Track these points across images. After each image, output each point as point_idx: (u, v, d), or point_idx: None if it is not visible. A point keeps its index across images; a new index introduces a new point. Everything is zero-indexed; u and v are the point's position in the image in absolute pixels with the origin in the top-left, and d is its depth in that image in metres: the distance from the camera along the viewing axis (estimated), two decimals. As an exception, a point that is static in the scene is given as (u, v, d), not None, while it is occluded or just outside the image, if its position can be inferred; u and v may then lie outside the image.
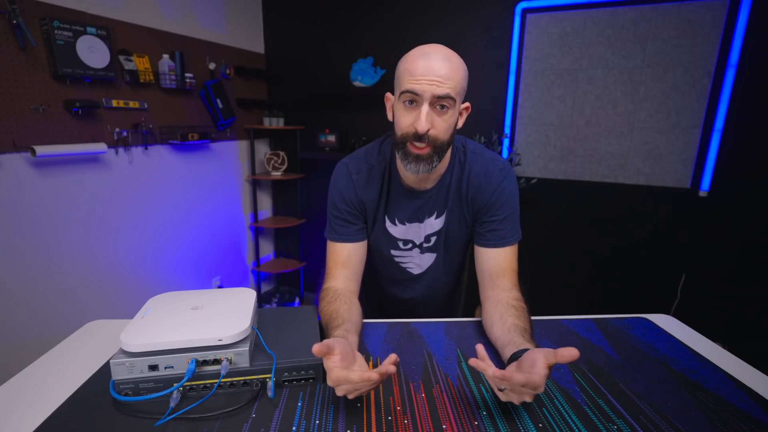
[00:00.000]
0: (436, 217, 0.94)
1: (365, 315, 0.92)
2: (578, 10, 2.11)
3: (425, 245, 0.98)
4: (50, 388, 0.68)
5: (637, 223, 2.23)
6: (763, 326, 2.04)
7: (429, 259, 1.00)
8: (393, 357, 0.60)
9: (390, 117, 0.86)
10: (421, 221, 0.94)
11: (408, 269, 1.03)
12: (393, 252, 1.00)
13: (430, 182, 0.91)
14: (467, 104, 0.85)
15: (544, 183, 2.34)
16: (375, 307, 1.15)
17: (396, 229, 0.96)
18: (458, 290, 1.17)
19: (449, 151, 0.89)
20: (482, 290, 0.92)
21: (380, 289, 1.11)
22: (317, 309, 0.87)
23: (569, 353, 0.56)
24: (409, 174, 0.87)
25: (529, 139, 2.35)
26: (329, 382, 0.60)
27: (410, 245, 0.98)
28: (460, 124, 0.85)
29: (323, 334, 0.81)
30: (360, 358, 0.66)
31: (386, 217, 0.95)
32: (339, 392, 0.60)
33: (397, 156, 0.85)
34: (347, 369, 0.59)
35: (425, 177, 0.89)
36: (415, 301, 1.08)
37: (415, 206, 0.93)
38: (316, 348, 0.58)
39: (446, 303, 1.14)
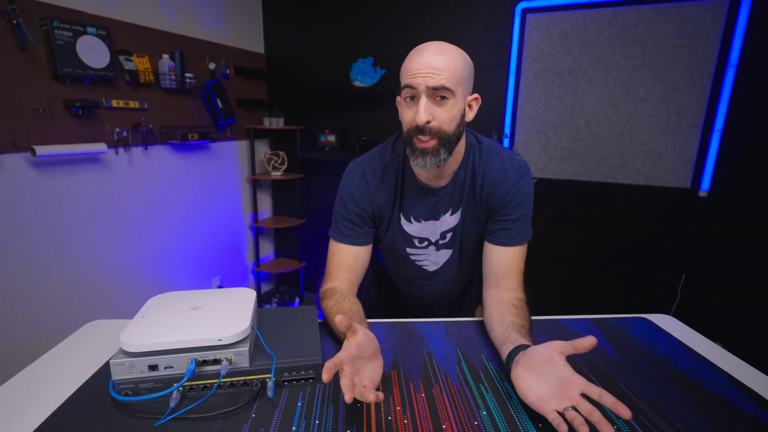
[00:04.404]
0: (451, 214, 0.93)
1: (382, 315, 0.91)
2: (578, 10, 2.12)
3: (441, 242, 0.97)
4: (50, 388, 0.68)
5: (637, 224, 2.23)
6: (763, 326, 2.04)
7: (445, 255, 1.00)
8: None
9: (401, 118, 0.86)
10: (436, 219, 0.94)
11: (424, 267, 1.02)
12: (409, 250, 0.99)
13: (444, 179, 0.90)
14: (476, 95, 0.84)
15: (544, 183, 2.34)
16: (391, 306, 1.15)
17: (411, 227, 0.96)
18: (472, 285, 1.16)
19: (462, 147, 0.89)
20: (486, 288, 0.91)
21: (396, 289, 1.11)
22: (317, 309, 0.87)
23: (589, 342, 0.57)
24: (421, 171, 0.87)
25: (529, 139, 2.35)
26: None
27: (426, 243, 0.98)
28: (470, 117, 0.84)
29: (333, 335, 0.84)
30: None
31: (401, 215, 0.95)
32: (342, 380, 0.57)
33: (407, 152, 0.85)
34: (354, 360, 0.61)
35: (438, 174, 0.88)
36: (431, 298, 1.08)
37: (430, 204, 0.92)
38: (339, 319, 0.60)
39: (461, 299, 1.13)
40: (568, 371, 0.59)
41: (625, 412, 0.51)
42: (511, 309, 0.80)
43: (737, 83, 1.91)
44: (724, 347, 0.86)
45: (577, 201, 2.32)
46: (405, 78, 0.79)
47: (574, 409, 0.55)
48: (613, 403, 0.52)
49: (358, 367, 0.62)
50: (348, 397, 0.53)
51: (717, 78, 1.94)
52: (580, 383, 0.57)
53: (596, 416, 0.53)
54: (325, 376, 0.54)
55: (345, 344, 0.62)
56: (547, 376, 0.60)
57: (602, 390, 0.55)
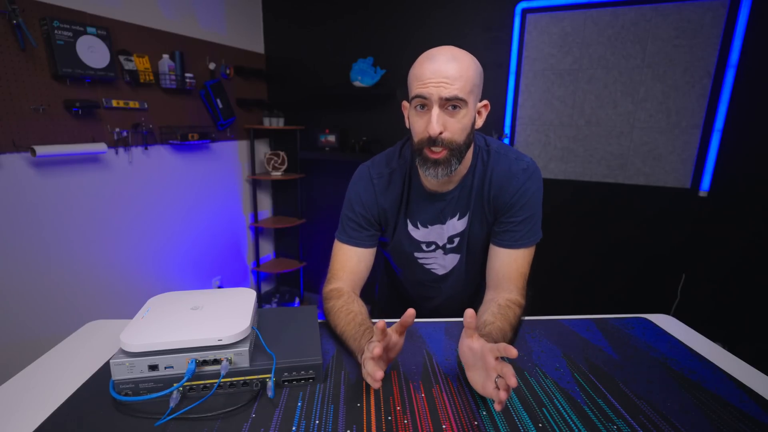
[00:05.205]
0: (459, 218, 0.93)
1: (392, 317, 0.91)
2: (578, 10, 2.12)
3: (448, 246, 0.97)
4: (50, 388, 0.68)
5: (637, 223, 2.23)
6: (763, 326, 2.04)
7: (453, 260, 0.99)
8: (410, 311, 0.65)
9: (408, 125, 0.85)
10: (443, 223, 0.93)
11: (432, 270, 1.02)
12: (416, 254, 0.99)
13: (451, 184, 0.90)
14: (485, 102, 0.84)
15: (544, 183, 2.33)
16: (401, 309, 1.14)
17: (418, 233, 0.95)
18: (483, 289, 1.16)
19: (470, 152, 0.88)
20: (487, 290, 0.91)
21: (406, 291, 1.11)
22: (317, 309, 0.87)
23: (511, 352, 0.58)
24: (432, 180, 0.87)
25: (529, 139, 2.35)
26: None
27: (433, 247, 0.97)
28: (479, 124, 0.84)
29: (333, 335, 0.84)
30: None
31: (408, 221, 0.95)
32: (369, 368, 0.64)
33: (417, 162, 0.84)
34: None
35: (446, 179, 0.87)
36: (440, 301, 1.08)
37: (437, 209, 0.92)
38: (382, 324, 0.63)
39: (471, 303, 1.13)
40: (482, 348, 0.63)
41: (512, 352, 0.58)
42: (494, 308, 0.80)
43: (737, 83, 1.90)
44: (724, 347, 0.86)
45: (577, 201, 2.32)
46: (416, 86, 0.77)
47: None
48: (504, 347, 0.59)
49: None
50: (380, 376, 0.60)
51: (717, 78, 1.94)
52: (488, 353, 0.62)
53: (506, 370, 0.57)
54: (378, 335, 0.63)
55: (388, 333, 0.67)
56: (478, 367, 0.65)
57: (498, 344, 0.60)
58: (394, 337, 0.68)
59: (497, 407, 0.57)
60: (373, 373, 0.61)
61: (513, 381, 0.55)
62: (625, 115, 2.13)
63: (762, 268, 2.01)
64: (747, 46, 1.86)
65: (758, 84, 1.88)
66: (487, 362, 0.62)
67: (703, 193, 2.05)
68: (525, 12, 2.21)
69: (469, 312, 0.65)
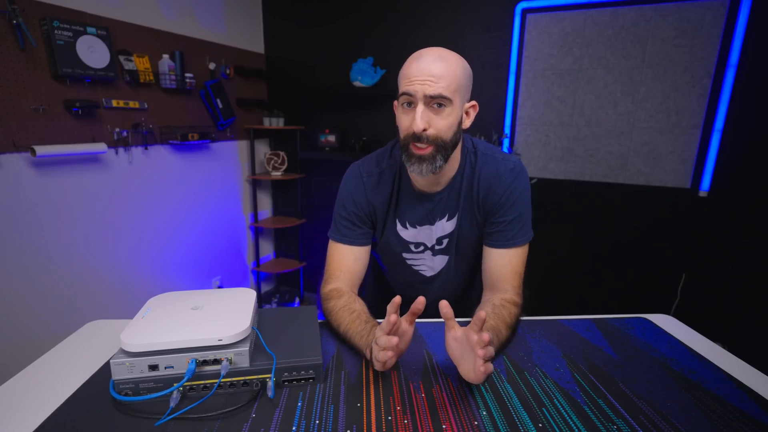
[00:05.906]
0: (448, 220, 0.93)
1: (379, 317, 0.91)
2: (578, 10, 2.12)
3: (437, 247, 0.97)
4: (50, 388, 0.68)
5: (637, 224, 2.23)
6: (763, 326, 2.04)
7: (441, 261, 1.00)
8: (420, 299, 0.66)
9: (397, 123, 0.86)
10: (431, 223, 0.94)
11: (420, 271, 1.02)
12: (405, 255, 0.99)
13: (440, 185, 0.90)
14: (473, 102, 0.85)
15: (544, 183, 2.34)
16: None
17: (407, 233, 0.96)
18: (473, 291, 1.15)
19: (458, 153, 0.89)
20: (483, 292, 0.91)
21: (393, 293, 1.11)
22: (317, 309, 0.87)
23: (480, 315, 0.62)
24: (418, 177, 0.87)
25: (529, 139, 2.35)
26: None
27: (422, 248, 0.98)
28: (467, 124, 0.85)
29: (333, 335, 0.84)
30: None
31: (397, 221, 0.95)
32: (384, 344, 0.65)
33: (403, 158, 0.84)
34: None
35: (435, 180, 0.88)
36: (428, 302, 1.07)
37: (426, 209, 0.92)
38: (399, 299, 0.66)
39: (461, 304, 1.13)
40: (465, 332, 0.65)
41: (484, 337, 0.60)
42: (488, 308, 0.80)
43: (737, 83, 1.91)
44: (724, 347, 0.86)
45: (577, 201, 2.32)
46: (403, 84, 0.79)
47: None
48: (476, 316, 0.63)
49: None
50: (395, 341, 0.63)
51: (717, 78, 1.94)
52: (470, 332, 0.63)
53: (486, 352, 0.61)
54: (392, 308, 0.65)
55: (399, 320, 0.68)
56: (467, 355, 0.65)
57: (474, 317, 0.63)
58: (404, 324, 0.68)
59: (481, 368, 0.59)
60: (389, 341, 0.62)
61: (486, 336, 0.59)
62: (625, 115, 2.13)
63: (762, 268, 2.01)
64: (747, 46, 1.86)
65: (758, 84, 1.88)
66: (470, 341, 0.63)
67: (703, 193, 2.05)
68: (525, 12, 2.21)
69: (443, 302, 0.65)
